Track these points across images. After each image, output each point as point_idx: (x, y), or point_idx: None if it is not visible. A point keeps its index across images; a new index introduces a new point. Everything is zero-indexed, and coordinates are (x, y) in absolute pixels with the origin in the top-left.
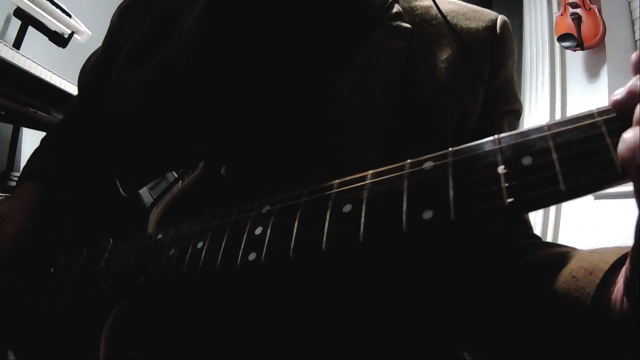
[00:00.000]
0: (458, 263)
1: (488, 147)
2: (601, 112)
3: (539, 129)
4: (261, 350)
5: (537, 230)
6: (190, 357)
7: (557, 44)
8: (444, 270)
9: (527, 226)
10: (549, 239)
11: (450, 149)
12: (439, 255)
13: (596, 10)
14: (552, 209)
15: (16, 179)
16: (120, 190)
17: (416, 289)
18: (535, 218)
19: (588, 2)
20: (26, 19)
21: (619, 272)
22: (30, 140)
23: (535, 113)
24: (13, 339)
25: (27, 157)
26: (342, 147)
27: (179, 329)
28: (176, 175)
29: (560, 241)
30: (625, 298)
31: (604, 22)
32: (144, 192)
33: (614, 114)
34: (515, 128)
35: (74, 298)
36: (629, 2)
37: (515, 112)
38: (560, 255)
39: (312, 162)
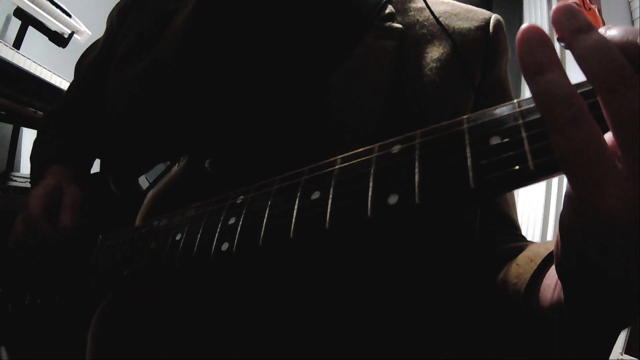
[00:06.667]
0: (444, 256)
1: (456, 127)
2: (578, 85)
3: (510, 106)
4: (248, 345)
5: (537, 231)
6: (175, 353)
7: (557, 44)
8: (431, 267)
9: (515, 227)
10: (549, 238)
11: (418, 130)
12: (425, 251)
13: (596, 10)
14: (553, 208)
15: (16, 179)
16: (111, 185)
17: (405, 286)
18: (535, 218)
19: (588, 2)
20: (26, 19)
21: None
22: (30, 140)
23: None
24: (6, 336)
25: (27, 157)
26: (333, 147)
27: (163, 323)
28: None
29: None
30: (558, 282)
31: (604, 22)
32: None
33: (590, 87)
34: None
35: (65, 294)
36: (629, 2)
37: None
38: (521, 247)
39: (301, 161)
